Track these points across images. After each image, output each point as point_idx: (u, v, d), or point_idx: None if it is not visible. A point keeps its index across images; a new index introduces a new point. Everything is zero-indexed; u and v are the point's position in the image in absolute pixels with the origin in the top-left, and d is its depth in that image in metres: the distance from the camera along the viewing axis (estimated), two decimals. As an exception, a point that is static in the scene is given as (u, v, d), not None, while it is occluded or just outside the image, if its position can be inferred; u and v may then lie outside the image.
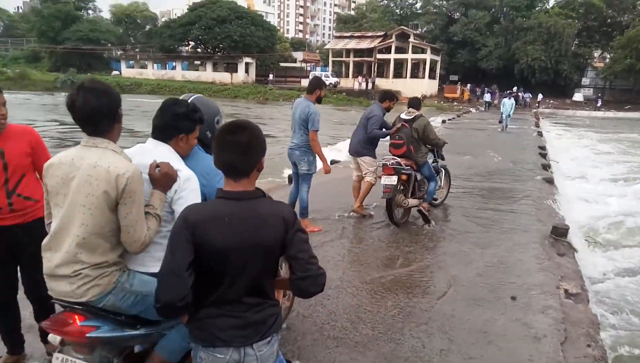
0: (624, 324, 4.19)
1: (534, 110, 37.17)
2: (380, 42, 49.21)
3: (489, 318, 3.65)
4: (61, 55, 60.07)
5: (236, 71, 53.57)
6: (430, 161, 6.30)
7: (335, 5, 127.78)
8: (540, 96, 42.67)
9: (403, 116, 6.22)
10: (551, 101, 45.06)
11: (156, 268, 1.70)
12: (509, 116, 19.66)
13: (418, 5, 59.88)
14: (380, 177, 5.89)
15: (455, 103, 42.69)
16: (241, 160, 1.60)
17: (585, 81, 49.49)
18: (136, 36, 75.52)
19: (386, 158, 5.92)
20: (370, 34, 52.34)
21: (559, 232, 5.67)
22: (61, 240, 1.87)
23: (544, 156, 12.57)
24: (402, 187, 5.88)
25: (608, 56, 48.65)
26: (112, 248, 1.89)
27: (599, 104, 43.06)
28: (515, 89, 40.39)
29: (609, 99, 46.70)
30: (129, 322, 1.97)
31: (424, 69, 48.01)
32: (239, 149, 1.59)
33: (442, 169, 6.86)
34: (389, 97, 6.39)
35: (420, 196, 6.17)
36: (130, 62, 60.23)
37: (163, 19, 78.84)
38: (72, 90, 1.88)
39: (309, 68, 60.04)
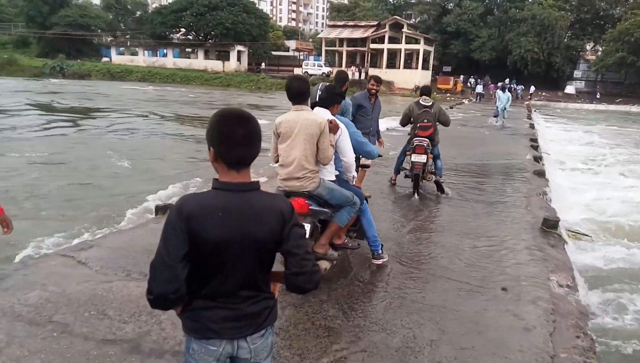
0: (612, 315, 4.24)
1: (527, 102, 37.33)
2: (373, 32, 48.97)
3: (480, 309, 3.67)
4: (50, 41, 59.06)
5: (228, 59, 53.09)
6: None
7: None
8: (532, 88, 42.84)
9: (422, 102, 7.14)
10: (543, 93, 45.27)
11: (332, 177, 3.82)
12: (505, 109, 18.59)
13: (412, -5, 59.64)
14: (410, 155, 6.91)
15: (448, 94, 42.72)
16: (249, 151, 1.57)
17: (577, 73, 49.75)
18: (127, 22, 74.39)
19: (417, 138, 6.92)
20: (363, 23, 52.04)
21: (550, 224, 5.71)
22: (290, 159, 3.55)
23: (535, 148, 12.63)
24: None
25: (600, 49, 48.92)
26: (315, 163, 3.57)
27: (598, 96, 43.37)
28: (507, 81, 40.47)
29: (601, 91, 47.01)
30: (323, 204, 3.69)
31: (418, 59, 47.91)
32: (247, 139, 1.56)
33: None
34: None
35: (432, 172, 7.21)
36: (121, 48, 59.42)
37: (154, 5, 77.71)
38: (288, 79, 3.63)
39: (302, 57, 59.64)
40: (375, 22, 50.60)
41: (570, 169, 12.03)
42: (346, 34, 50.88)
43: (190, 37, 60.66)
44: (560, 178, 10.38)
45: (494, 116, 19.06)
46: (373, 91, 6.15)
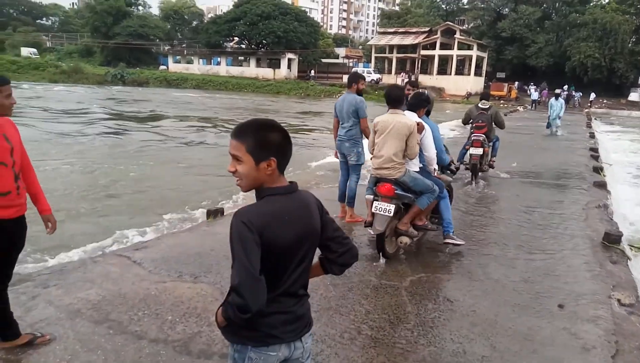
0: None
1: (586, 110, 35.57)
2: (424, 38, 48.41)
3: (534, 325, 3.51)
4: (112, 50, 62.40)
5: (279, 67, 54.06)
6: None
7: (379, 0, 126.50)
8: (592, 96, 40.83)
9: (480, 105, 8.80)
10: (605, 101, 43.03)
11: (416, 168, 4.66)
12: (559, 117, 17.46)
13: (465, 0, 58.48)
14: (469, 149, 8.41)
15: (502, 101, 41.43)
16: (289, 156, 1.64)
17: (642, 80, 46.94)
18: (183, 32, 77.50)
19: (475, 135, 8.46)
20: (414, 30, 51.57)
21: (612, 239, 5.39)
22: (382, 153, 4.48)
23: (595, 158, 12.01)
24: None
25: (669, 54, 45.93)
26: (402, 157, 4.45)
27: None
28: (566, 87, 38.82)
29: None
30: (407, 190, 4.49)
31: (470, 65, 46.89)
32: (289, 146, 1.64)
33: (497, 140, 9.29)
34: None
35: (487, 162, 8.91)
36: (177, 57, 61.86)
37: (209, 15, 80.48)
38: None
39: (351, 64, 59.79)
40: (427, 29, 50.07)
41: (634, 181, 11.34)
42: (396, 40, 50.59)
43: (243, 45, 62.27)
44: (622, 190, 9.81)
45: (547, 127, 18.05)
46: (407, 94, 6.11)
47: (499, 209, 6.90)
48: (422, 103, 4.91)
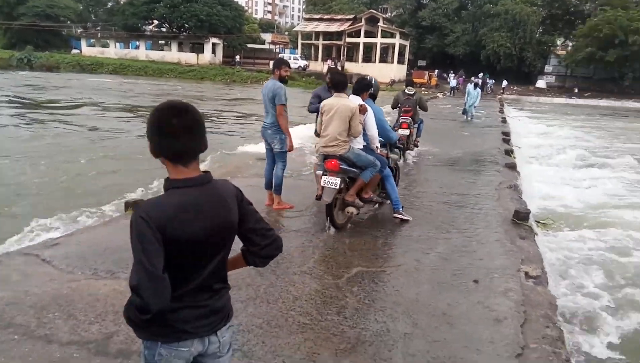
0: (580, 304, 4.33)
1: (499, 96, 37.92)
2: (349, 26, 49.00)
3: (452, 301, 3.70)
4: (17, 31, 57.10)
5: (202, 52, 52.34)
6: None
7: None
8: (505, 83, 43.56)
9: (407, 92, 9.74)
10: (515, 88, 46.13)
11: (360, 146, 5.11)
12: (473, 106, 18.03)
13: (387, -11, 59.81)
14: (397, 130, 8.57)
15: (423, 88, 43.07)
16: (193, 143, 1.51)
17: (548, 68, 50.81)
18: (97, 13, 72.52)
19: (403, 118, 9.35)
20: (339, 17, 52.00)
21: (521, 216, 5.80)
22: (326, 133, 4.87)
23: (507, 141, 12.83)
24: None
25: (570, 44, 50.04)
26: (346, 136, 4.84)
27: (576, 91, 44.49)
28: (481, 75, 41.03)
29: (571, 86, 48.17)
30: (352, 165, 4.91)
31: (393, 53, 48.19)
32: (190, 131, 1.49)
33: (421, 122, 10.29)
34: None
35: (413, 142, 9.71)
36: (91, 40, 57.90)
37: (126, -4, 75.84)
38: None
39: (277, 50, 59.20)
40: (352, 16, 50.63)
41: (541, 162, 12.28)
42: (322, 27, 50.76)
43: (164, 29, 59.47)
44: (530, 171, 10.58)
45: (463, 113, 18.71)
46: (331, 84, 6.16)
47: (419, 192, 7.17)
48: (365, 87, 5.42)
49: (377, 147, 5.36)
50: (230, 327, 1.70)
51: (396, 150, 6.28)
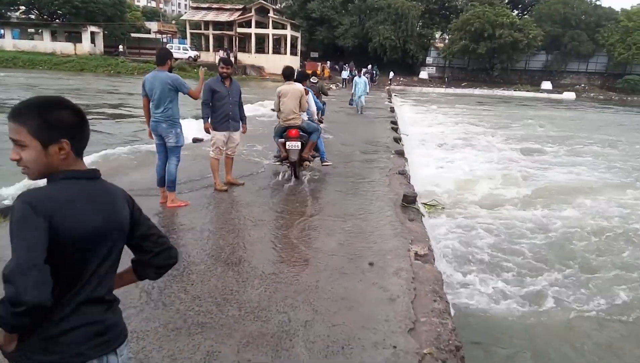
0: (462, 274, 4.77)
1: (387, 87, 39.91)
2: (239, 16, 48.14)
3: (350, 285, 3.85)
4: None
5: (80, 41, 48.05)
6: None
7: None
8: (391, 74, 45.88)
9: (312, 80, 11.16)
10: (401, 79, 48.84)
11: (306, 118, 7.31)
12: (361, 96, 17.56)
13: (276, -21, 59.65)
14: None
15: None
16: (86, 137, 1.48)
17: (429, 60, 54.39)
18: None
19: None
20: (229, 6, 50.85)
21: (409, 199, 6.19)
22: (285, 109, 6.84)
23: (395, 130, 13.57)
24: None
25: (447, 37, 54.07)
26: (299, 110, 6.91)
27: (447, 80, 48.22)
28: (369, 67, 42.79)
29: (448, 76, 52.17)
30: (304, 132, 6.95)
31: (286, 45, 48.34)
32: (85, 126, 1.47)
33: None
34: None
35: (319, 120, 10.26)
36: (-58, 28, 50.36)
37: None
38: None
39: (165, 40, 56.31)
40: (241, 6, 49.79)
41: (426, 148, 13.21)
42: (211, 17, 49.27)
43: (33, 16, 53.57)
44: (417, 156, 11.33)
45: (350, 104, 18.51)
46: (224, 73, 6.13)
47: (316, 182, 7.32)
48: (305, 77, 8.22)
49: (316, 118, 8.19)
50: (127, 342, 1.56)
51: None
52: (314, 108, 7.90)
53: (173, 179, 5.53)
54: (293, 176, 7.14)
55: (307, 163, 7.41)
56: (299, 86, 6.94)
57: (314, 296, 3.62)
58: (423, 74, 51.16)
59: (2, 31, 49.59)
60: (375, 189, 6.96)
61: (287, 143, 6.83)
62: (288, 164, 7.15)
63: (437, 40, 57.02)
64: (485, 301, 4.85)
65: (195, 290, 3.60)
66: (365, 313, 3.42)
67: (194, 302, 3.42)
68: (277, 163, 7.42)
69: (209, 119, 6.17)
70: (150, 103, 5.37)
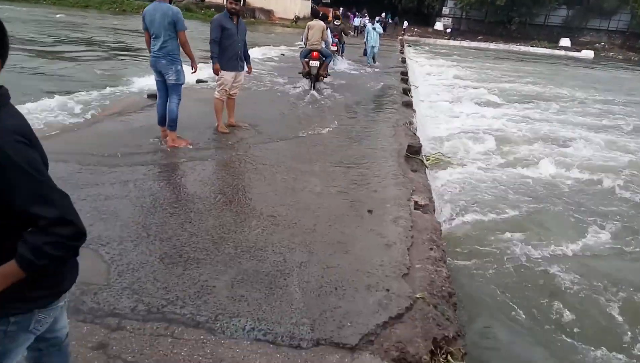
0: (459, 224, 4.78)
1: (400, 37, 38.73)
2: (251, -45, 46.24)
3: (347, 230, 3.86)
4: None
5: (85, -24, 46.57)
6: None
7: None
8: (405, 24, 44.46)
9: (336, 22, 15.06)
10: (415, 29, 47.34)
11: (324, 46, 10.33)
12: (374, 47, 16.56)
13: None
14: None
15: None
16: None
17: (445, 10, 52.49)
18: None
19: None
20: (240, -55, 48.79)
21: (413, 150, 6.12)
22: (313, 39, 9.95)
23: (405, 81, 13.27)
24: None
25: (465, -13, 51.90)
26: (321, 40, 9.96)
27: (449, 31, 46.66)
28: (383, 15, 41.41)
29: (465, 29, 50.50)
30: (323, 55, 10.00)
31: (297, -12, 46.63)
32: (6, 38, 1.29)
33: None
34: None
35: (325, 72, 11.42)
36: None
37: None
38: None
39: (173, -21, 54.57)
40: (253, -55, 47.67)
41: (435, 101, 12.95)
42: (221, -45, 47.37)
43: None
44: (425, 109, 11.13)
45: (363, 54, 17.44)
46: (233, 10, 5.91)
47: (321, 130, 7.22)
48: (325, 18, 10.92)
49: (331, 48, 11.54)
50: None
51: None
52: (329, 40, 11.20)
53: (174, 118, 5.43)
54: (312, 88, 9.73)
55: (323, 78, 10.25)
56: (322, 23, 9.95)
57: (311, 239, 3.63)
58: (438, 25, 49.48)
59: (6, -38, 48.11)
60: (380, 140, 6.86)
61: (310, 62, 9.73)
62: (309, 78, 9.84)
63: (454, -9, 54.84)
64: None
65: (192, 228, 3.62)
66: (360, 257, 3.44)
67: (190, 239, 3.45)
68: (301, 75, 10.15)
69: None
70: (151, 38, 5.23)
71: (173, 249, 3.27)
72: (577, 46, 45.65)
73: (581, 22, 48.84)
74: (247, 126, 6.69)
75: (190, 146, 5.58)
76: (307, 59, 9.76)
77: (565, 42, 46.13)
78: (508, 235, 5.25)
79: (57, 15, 28.15)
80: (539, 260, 4.81)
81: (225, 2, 6.16)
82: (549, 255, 4.93)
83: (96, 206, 3.83)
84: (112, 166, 4.74)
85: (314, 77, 9.68)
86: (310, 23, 9.94)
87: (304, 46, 10.13)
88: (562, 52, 43.11)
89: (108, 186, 4.23)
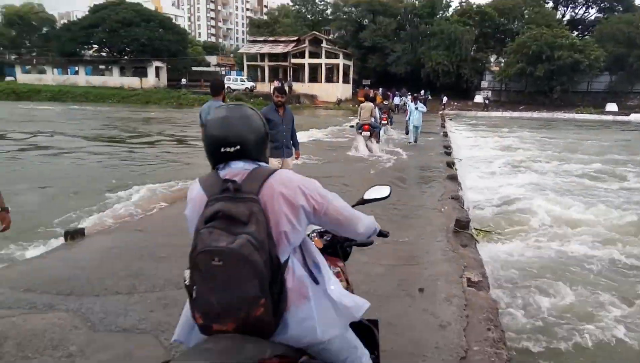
0: (518, 305, 4.56)
1: (440, 112, 39.42)
2: (294, 47, 49.67)
3: (398, 311, 3.79)
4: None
5: (146, 76, 51.39)
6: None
7: (247, 9, 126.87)
8: (445, 99, 45.36)
9: (385, 103, 23.22)
10: (455, 103, 48.14)
11: (373, 121, 13.84)
12: (418, 128, 16.02)
13: (329, 11, 61.25)
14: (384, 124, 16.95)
15: (368, 106, 43.96)
16: None
17: (484, 83, 53.41)
18: (32, 39, 69.65)
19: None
20: (283, 38, 52.65)
21: (462, 225, 6.04)
22: (363, 117, 13.68)
23: (448, 154, 13.36)
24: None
25: (502, 61, 52.98)
26: (370, 117, 13.71)
27: (487, 103, 47.05)
28: (422, 92, 42.56)
29: (505, 100, 50.90)
30: (373, 127, 13.48)
31: (338, 73, 49.19)
32: None
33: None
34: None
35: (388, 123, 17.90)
36: (27, 67, 55.55)
37: (62, 22, 73.52)
38: None
39: (223, 72, 59.02)
40: (295, 38, 51.40)
41: (481, 172, 12.85)
42: (267, 49, 51.16)
43: (104, 53, 57.99)
44: (472, 181, 11.05)
45: (406, 133, 17.31)
46: (279, 102, 6.29)
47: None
48: (373, 99, 15.12)
49: (379, 122, 14.30)
50: None
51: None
52: (377, 116, 13.92)
53: None
54: (368, 149, 13.17)
55: (372, 142, 13.42)
56: (371, 104, 13.52)
57: (362, 321, 3.58)
58: (478, 98, 50.16)
59: (76, 68, 53.91)
60: (427, 214, 6.85)
61: (362, 133, 13.19)
62: (364, 143, 13.28)
63: (492, 64, 56.04)
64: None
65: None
66: (414, 339, 3.35)
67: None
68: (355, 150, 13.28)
69: None
70: None
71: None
72: (624, 110, 44.67)
73: (626, 87, 48.21)
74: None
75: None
76: (360, 131, 13.21)
77: (612, 106, 45.30)
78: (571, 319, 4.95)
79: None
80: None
81: (272, 92, 6.61)
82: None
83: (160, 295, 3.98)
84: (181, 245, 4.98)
85: (366, 144, 13.23)
86: (362, 104, 13.46)
87: (358, 121, 13.52)
88: (610, 118, 42.22)
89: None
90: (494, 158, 15.35)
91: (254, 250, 1.40)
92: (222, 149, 1.58)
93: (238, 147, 1.58)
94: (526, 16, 52.65)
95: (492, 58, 56.14)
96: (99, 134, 20.72)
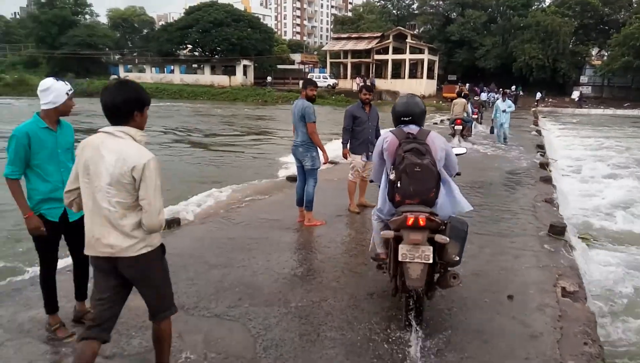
0: (620, 319, 4.20)
1: (533, 109, 37.12)
2: (377, 43, 49.29)
3: (486, 317, 3.65)
4: (59, 60, 60.10)
5: (234, 74, 53.71)
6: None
7: (332, 7, 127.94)
8: (538, 95, 42.68)
9: (476, 98, 24.42)
10: (550, 100, 45.11)
11: (466, 114, 15.28)
12: (504, 126, 14.51)
13: (415, 5, 60.01)
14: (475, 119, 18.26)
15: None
16: None
17: (583, 78, 49.52)
18: (134, 40, 75.71)
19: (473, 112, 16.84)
20: (367, 35, 52.41)
21: (557, 230, 5.66)
22: (455, 111, 14.80)
23: (542, 154, 12.57)
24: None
25: (605, 54, 48.68)
26: (463, 111, 14.85)
27: (582, 99, 43.36)
28: (514, 88, 40.37)
29: (608, 96, 46.78)
30: (465, 121, 14.70)
31: (422, 69, 48.08)
32: None
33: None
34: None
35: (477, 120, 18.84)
36: (129, 66, 60.37)
37: (160, 23, 79.06)
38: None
39: (307, 70, 60.08)
40: (379, 34, 50.95)
41: (578, 175, 11.95)
42: (350, 45, 51.25)
43: (197, 53, 61.48)
44: (568, 184, 10.32)
45: (490, 132, 16.13)
46: (366, 100, 6.32)
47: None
48: (466, 96, 16.29)
49: (471, 116, 15.16)
50: None
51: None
52: (469, 110, 15.00)
53: (310, 200, 5.87)
54: (459, 141, 13.58)
55: (465, 136, 14.30)
56: (463, 100, 14.61)
57: (447, 325, 3.50)
58: (576, 95, 46.47)
59: (172, 67, 57.66)
60: (518, 218, 6.50)
61: (455, 127, 13.97)
62: (457, 136, 13.99)
63: (593, 58, 51.68)
64: None
65: (328, 307, 3.73)
66: (502, 349, 3.21)
67: (326, 318, 3.55)
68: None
69: (348, 144, 6.42)
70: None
71: (311, 327, 3.40)
72: None
73: None
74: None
75: (324, 225, 5.88)
76: (453, 125, 14.05)
77: None
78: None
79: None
80: None
81: (357, 90, 6.66)
82: None
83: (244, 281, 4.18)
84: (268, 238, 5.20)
85: (459, 136, 13.95)
86: (455, 100, 14.59)
87: (451, 115, 14.50)
88: None
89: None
90: (592, 159, 14.21)
91: (433, 166, 3.15)
92: (402, 118, 3.43)
93: (410, 118, 3.41)
94: (635, 5, 47.79)
95: (594, 51, 51.76)
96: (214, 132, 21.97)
